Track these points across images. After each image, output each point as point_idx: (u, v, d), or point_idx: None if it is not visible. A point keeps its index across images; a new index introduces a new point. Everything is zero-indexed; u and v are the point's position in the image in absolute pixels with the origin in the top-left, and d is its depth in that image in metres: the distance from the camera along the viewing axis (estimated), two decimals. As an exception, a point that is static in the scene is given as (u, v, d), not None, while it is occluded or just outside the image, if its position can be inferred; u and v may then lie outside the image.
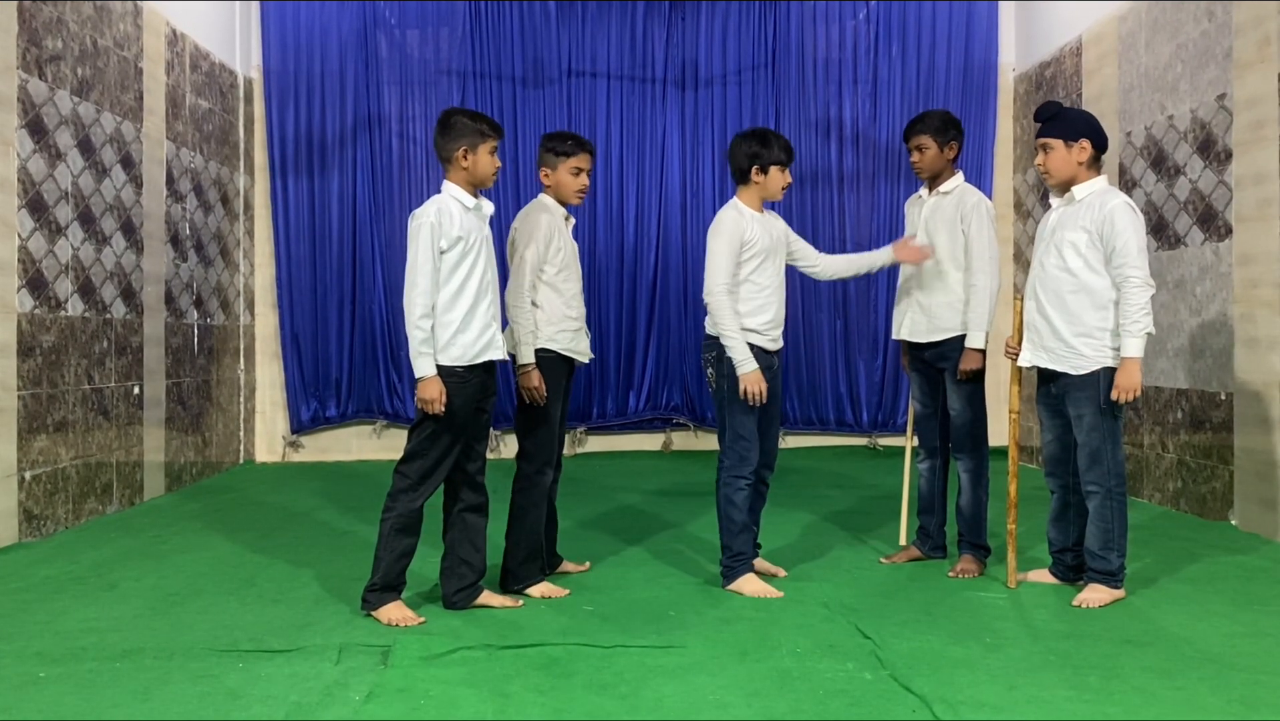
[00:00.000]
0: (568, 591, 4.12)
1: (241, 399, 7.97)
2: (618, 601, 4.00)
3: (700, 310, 4.17)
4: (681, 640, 3.48)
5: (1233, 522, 5.33)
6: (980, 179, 8.05)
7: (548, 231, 4.16)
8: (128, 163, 6.16)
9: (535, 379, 4.10)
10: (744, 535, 4.15)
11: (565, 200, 4.28)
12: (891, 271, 4.91)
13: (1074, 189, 4.02)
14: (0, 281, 4.94)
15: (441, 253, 3.69)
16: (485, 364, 3.80)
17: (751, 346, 4.11)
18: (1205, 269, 5.60)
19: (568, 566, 4.47)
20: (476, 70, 8.16)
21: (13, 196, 5.03)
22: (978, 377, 4.41)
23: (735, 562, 4.14)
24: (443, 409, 3.66)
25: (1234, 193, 5.35)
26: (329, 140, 8.12)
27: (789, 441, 8.18)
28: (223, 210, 7.64)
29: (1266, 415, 5.07)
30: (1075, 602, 3.90)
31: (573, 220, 4.36)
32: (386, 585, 3.75)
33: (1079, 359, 3.94)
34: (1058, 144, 4.01)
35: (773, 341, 4.22)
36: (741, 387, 4.05)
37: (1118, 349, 3.88)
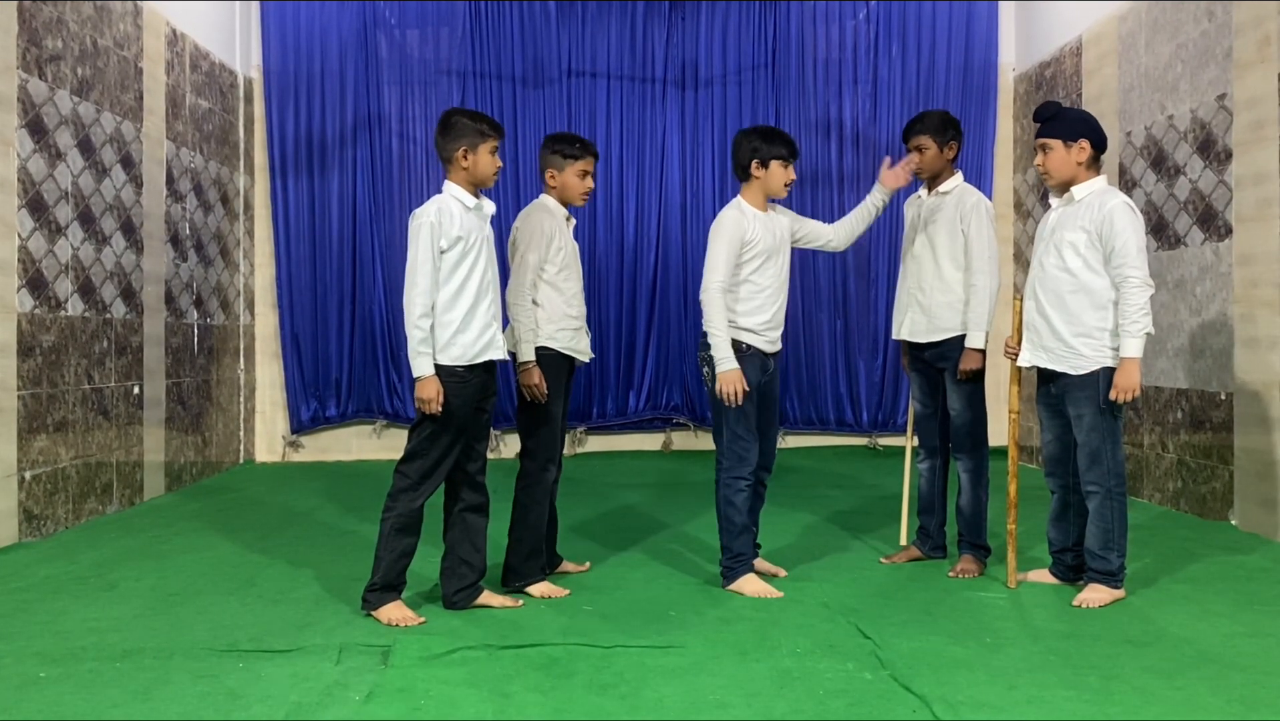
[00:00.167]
0: (568, 591, 4.12)
1: (241, 399, 7.97)
2: (618, 601, 4.00)
3: (700, 310, 4.16)
4: (681, 640, 3.48)
5: (1233, 522, 5.33)
6: (980, 179, 8.05)
7: (549, 231, 4.17)
8: (128, 162, 6.16)
9: (536, 376, 4.10)
10: (744, 536, 4.15)
11: (570, 202, 4.28)
12: (891, 269, 4.92)
13: (1073, 189, 4.01)
14: (0, 281, 4.94)
15: (441, 252, 3.69)
16: (485, 364, 3.80)
17: (748, 347, 4.10)
18: (1205, 269, 5.60)
19: (567, 566, 4.47)
20: (476, 70, 8.16)
21: (13, 196, 5.03)
22: (977, 377, 4.41)
23: (735, 563, 4.14)
24: (440, 409, 3.66)
25: (1234, 193, 5.35)
26: (329, 140, 8.12)
27: (789, 441, 8.18)
28: (223, 210, 7.64)
29: (1266, 415, 5.07)
30: (1075, 602, 3.90)
31: (573, 221, 4.37)
32: (387, 585, 3.75)
33: (1078, 359, 3.94)
34: (1057, 144, 4.01)
35: (770, 343, 4.20)
36: (718, 386, 4.05)
37: (1117, 349, 3.88)
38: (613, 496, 6.37)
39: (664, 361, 8.31)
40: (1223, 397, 5.43)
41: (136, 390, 6.25)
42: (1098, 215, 3.90)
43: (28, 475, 5.12)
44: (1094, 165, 4.03)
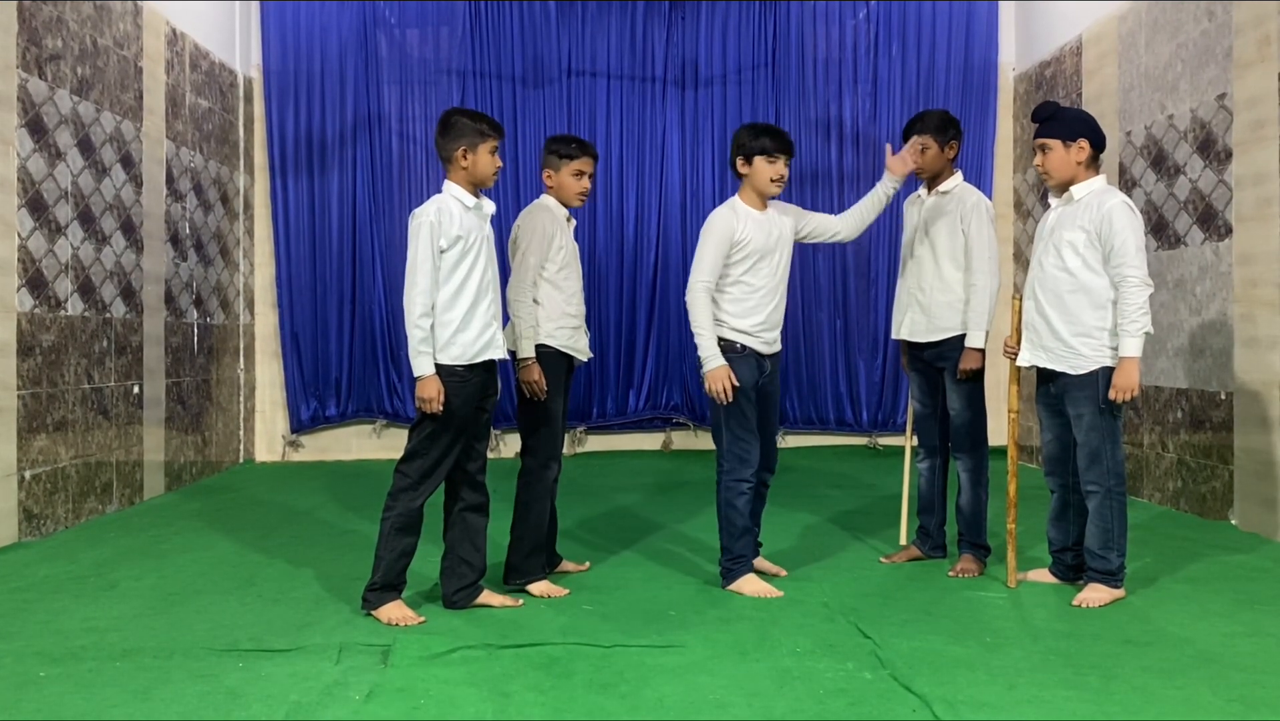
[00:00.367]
0: (567, 591, 4.12)
1: (241, 398, 7.97)
2: (618, 601, 4.00)
3: (683, 314, 4.15)
4: (681, 639, 3.48)
5: (1233, 522, 5.33)
6: (980, 178, 8.05)
7: (550, 230, 4.19)
8: (127, 162, 6.16)
9: (535, 373, 4.11)
10: (745, 538, 4.14)
11: (566, 202, 4.30)
12: (891, 269, 4.91)
13: (1072, 189, 4.01)
14: (0, 281, 4.94)
15: (441, 252, 3.69)
16: (486, 363, 3.80)
17: (743, 348, 4.09)
18: (1205, 268, 5.60)
19: (567, 566, 4.47)
20: (476, 70, 8.16)
21: (12, 196, 5.03)
22: (977, 377, 4.41)
23: (735, 564, 4.14)
24: (441, 408, 3.66)
25: (1234, 192, 5.35)
26: (329, 140, 8.12)
27: (789, 441, 8.18)
28: (222, 209, 7.64)
29: (1266, 415, 5.07)
30: (1075, 602, 3.90)
31: (574, 221, 4.38)
32: (387, 584, 3.75)
33: (1078, 358, 3.94)
34: (1056, 144, 4.00)
35: (765, 344, 4.17)
36: (706, 385, 4.05)
37: (1116, 348, 3.88)
38: (613, 496, 6.37)
39: (664, 361, 8.31)
40: (1223, 397, 5.43)
41: (136, 390, 6.25)
42: (1097, 215, 3.90)
43: (27, 474, 5.11)
44: (1093, 165, 4.02)
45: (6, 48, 4.99)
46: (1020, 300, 4.19)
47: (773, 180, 4.13)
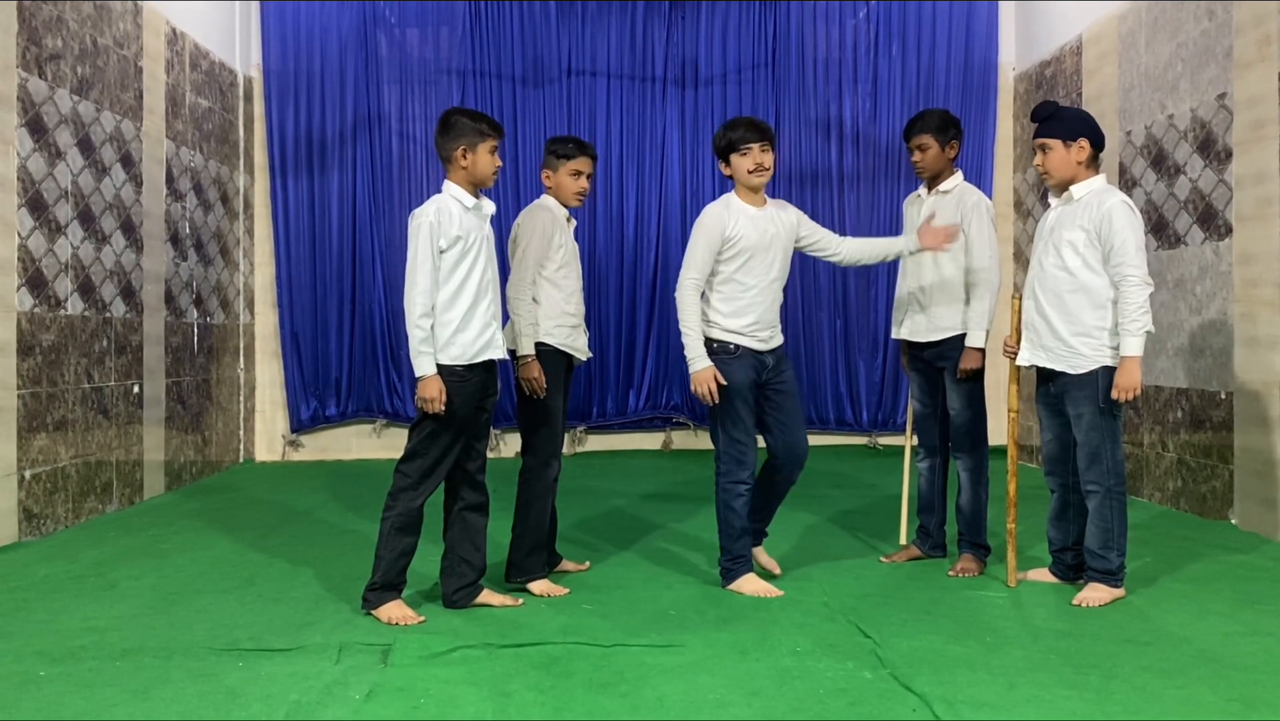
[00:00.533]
0: (567, 590, 4.12)
1: (241, 398, 7.97)
2: (617, 600, 4.00)
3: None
4: (681, 639, 3.48)
5: (1233, 522, 5.33)
6: (980, 178, 8.05)
7: (549, 229, 4.20)
8: (127, 161, 6.16)
9: (535, 370, 4.12)
10: (744, 539, 4.13)
11: (565, 202, 4.32)
12: (891, 271, 4.91)
13: (1072, 188, 4.01)
14: (0, 280, 4.94)
15: (441, 252, 3.69)
16: (485, 363, 3.80)
17: (736, 348, 4.07)
18: (1205, 268, 5.60)
19: (567, 565, 4.47)
20: (476, 69, 8.16)
21: (12, 195, 5.03)
22: (977, 377, 4.41)
23: (734, 564, 4.13)
24: (442, 408, 3.66)
25: (1234, 192, 5.35)
26: (329, 139, 8.12)
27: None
28: (222, 209, 7.64)
29: (1266, 414, 5.07)
30: (1075, 602, 3.90)
31: (574, 222, 4.40)
32: (387, 584, 3.75)
33: (1077, 358, 3.94)
34: (1056, 144, 4.00)
35: (762, 341, 4.12)
36: (693, 386, 4.03)
37: (1116, 348, 3.88)
38: (613, 496, 6.37)
39: (664, 361, 8.31)
40: (1223, 397, 5.43)
41: (136, 389, 6.25)
42: (1096, 214, 3.90)
43: (27, 474, 5.11)
44: (1093, 164, 4.02)
45: (6, 47, 4.99)
46: (1020, 300, 4.19)
47: (750, 171, 4.05)
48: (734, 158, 4.07)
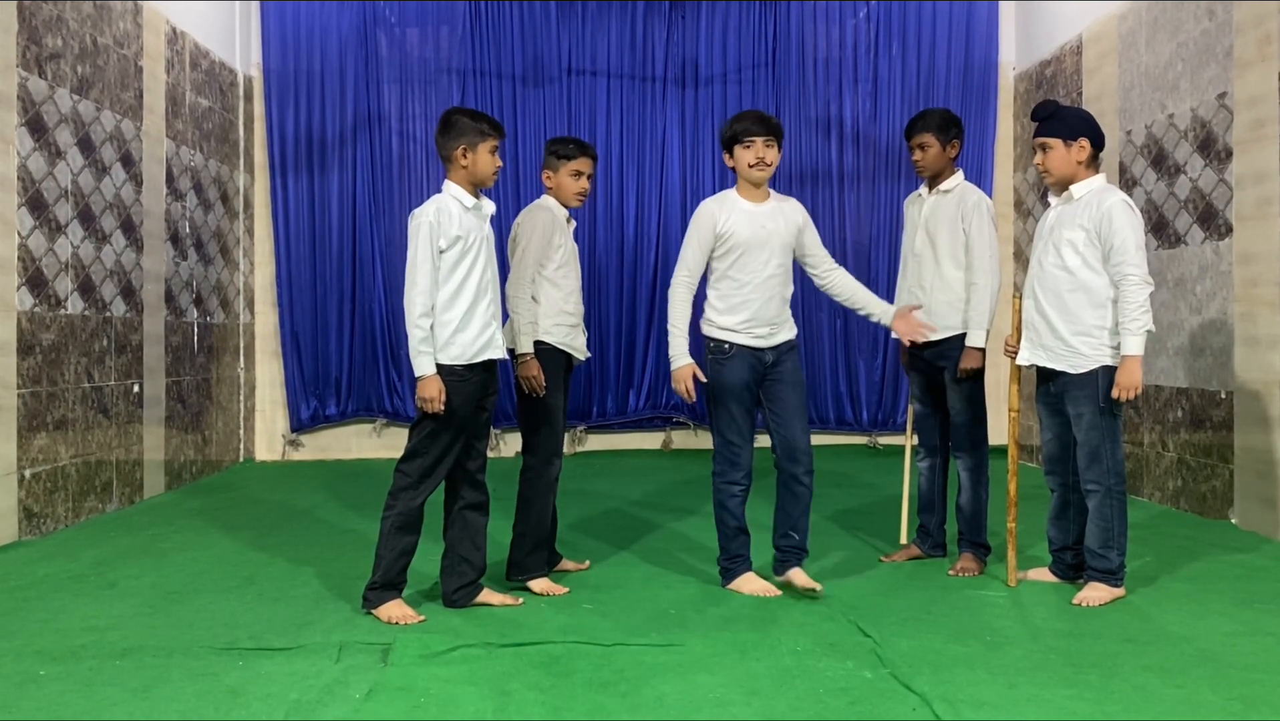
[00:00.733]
0: (567, 589, 4.12)
1: (241, 397, 7.97)
2: (617, 599, 4.00)
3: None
4: (681, 638, 3.47)
5: (1233, 521, 5.33)
6: (980, 178, 8.05)
7: (549, 229, 4.21)
8: (127, 161, 6.16)
9: (534, 369, 4.12)
10: (740, 538, 4.11)
11: (565, 202, 4.33)
12: (891, 269, 4.91)
13: (1072, 188, 4.01)
14: (0, 279, 4.94)
15: (440, 252, 3.69)
16: (485, 362, 3.80)
17: (731, 347, 4.06)
18: (1205, 267, 5.59)
19: (567, 564, 4.47)
20: (476, 69, 8.16)
21: (12, 194, 5.03)
22: (977, 376, 4.41)
23: (733, 563, 4.13)
24: (442, 408, 3.66)
25: (1234, 191, 5.34)
26: (329, 139, 8.12)
27: (789, 440, 8.17)
28: (222, 208, 7.64)
29: (1266, 414, 5.07)
30: (1075, 601, 3.90)
31: (574, 222, 4.41)
32: (387, 583, 3.75)
33: (1077, 357, 3.94)
34: (1056, 143, 4.00)
35: (760, 338, 4.12)
36: (673, 383, 4.04)
37: (1116, 347, 3.88)
38: (612, 495, 6.37)
39: (664, 360, 8.23)
40: (1223, 396, 5.43)
41: (136, 388, 6.25)
42: (1096, 213, 3.90)
43: (27, 473, 5.11)
44: (1093, 163, 4.02)
45: (6, 47, 4.99)
46: (1020, 299, 4.19)
47: (751, 165, 4.03)
48: (737, 149, 4.06)
